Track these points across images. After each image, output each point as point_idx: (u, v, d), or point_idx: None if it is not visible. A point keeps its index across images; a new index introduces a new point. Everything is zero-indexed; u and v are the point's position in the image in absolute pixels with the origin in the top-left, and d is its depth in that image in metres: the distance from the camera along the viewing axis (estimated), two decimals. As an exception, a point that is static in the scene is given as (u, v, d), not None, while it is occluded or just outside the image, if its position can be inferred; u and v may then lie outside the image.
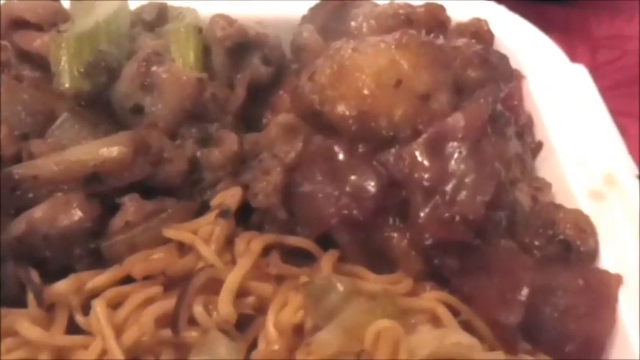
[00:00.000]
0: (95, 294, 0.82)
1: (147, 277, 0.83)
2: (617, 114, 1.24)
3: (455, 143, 0.86)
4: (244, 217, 0.91)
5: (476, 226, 0.82)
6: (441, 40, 0.98)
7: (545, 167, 1.04)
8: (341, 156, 0.89)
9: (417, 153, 0.86)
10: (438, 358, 0.74)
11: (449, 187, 0.84)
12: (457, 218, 0.82)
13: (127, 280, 0.84)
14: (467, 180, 0.84)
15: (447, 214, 0.82)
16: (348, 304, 0.75)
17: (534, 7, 1.46)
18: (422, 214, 0.84)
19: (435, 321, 0.81)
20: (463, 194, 0.83)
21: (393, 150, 0.87)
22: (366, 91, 0.88)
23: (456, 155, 0.85)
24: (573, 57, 1.27)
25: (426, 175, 0.85)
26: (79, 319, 0.80)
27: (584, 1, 1.45)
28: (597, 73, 1.27)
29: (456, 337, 0.76)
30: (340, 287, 0.76)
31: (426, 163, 0.85)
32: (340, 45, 0.93)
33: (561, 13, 1.44)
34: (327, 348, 0.71)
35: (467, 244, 0.83)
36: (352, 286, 0.77)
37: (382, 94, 0.88)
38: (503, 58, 1.02)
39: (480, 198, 0.83)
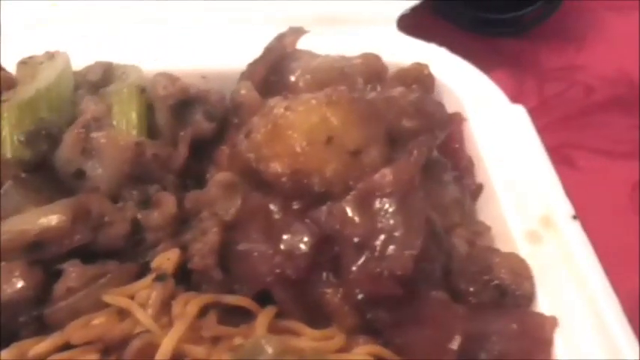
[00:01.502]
0: (38, 361, 0.84)
1: (87, 343, 0.84)
2: (566, 146, 1.27)
3: (383, 199, 0.88)
4: (186, 276, 0.93)
5: (405, 280, 0.84)
6: (376, 92, 1.00)
7: (485, 210, 1.06)
8: (276, 214, 0.91)
9: (347, 209, 0.88)
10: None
11: (378, 242, 0.86)
12: (385, 273, 0.84)
13: (70, 345, 0.86)
14: (395, 234, 0.86)
15: (376, 270, 0.85)
16: (278, 366, 0.77)
17: (487, 42, 1.49)
18: (353, 270, 0.86)
19: (367, 376, 0.82)
20: (391, 249, 0.85)
21: (324, 207, 0.89)
22: (298, 149, 0.91)
23: (384, 210, 0.87)
24: (522, 91, 1.31)
25: (356, 231, 0.87)
26: (22, 387, 0.82)
27: (537, 31, 1.46)
28: (545, 106, 1.30)
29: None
30: (269, 349, 0.78)
31: (355, 219, 0.87)
32: (274, 103, 0.95)
33: (514, 46, 1.47)
34: (253, 412, 0.73)
35: (397, 297, 0.85)
36: (282, 346, 0.79)
37: (313, 151, 0.90)
38: (439, 106, 1.04)
39: (408, 252, 0.85)
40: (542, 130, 1.14)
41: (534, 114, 1.17)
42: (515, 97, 1.19)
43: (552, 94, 1.36)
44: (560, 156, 1.27)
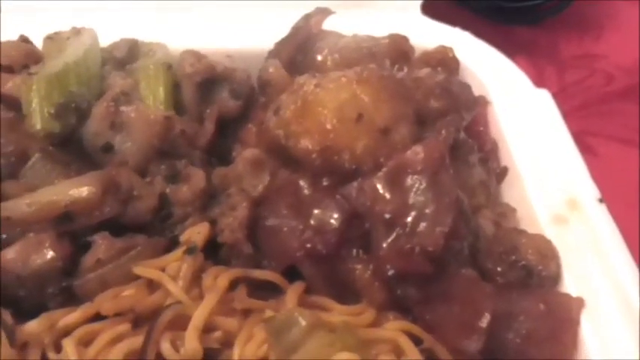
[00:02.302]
0: (67, 332, 0.84)
1: (118, 314, 0.85)
2: (586, 134, 1.28)
3: (414, 176, 0.88)
4: (214, 250, 0.93)
5: (435, 256, 0.85)
6: (403, 72, 1.00)
7: (510, 192, 1.06)
8: (305, 190, 0.91)
9: (378, 186, 0.88)
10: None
11: (409, 219, 0.86)
12: (417, 250, 0.84)
13: (99, 317, 0.86)
14: (426, 211, 0.86)
15: (407, 246, 0.85)
16: (310, 338, 0.77)
17: (502, 30, 1.49)
18: (384, 246, 0.86)
19: (398, 351, 0.83)
20: (422, 226, 0.85)
21: (355, 183, 0.89)
22: (328, 126, 0.91)
23: (415, 187, 0.87)
24: (541, 78, 1.31)
25: (387, 208, 0.87)
26: (52, 357, 0.82)
27: (552, 20, 1.47)
28: (565, 93, 1.31)
29: (415, 366, 0.78)
30: (302, 321, 0.78)
31: (386, 195, 0.87)
32: (304, 80, 0.95)
33: (529, 34, 1.47)
34: (288, 381, 0.73)
35: (427, 274, 0.85)
36: (314, 319, 0.79)
37: (344, 128, 0.90)
38: (466, 87, 1.05)
39: (439, 229, 0.85)
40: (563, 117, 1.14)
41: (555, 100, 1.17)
42: (536, 84, 1.19)
43: (572, 81, 1.36)
44: (580, 143, 1.27)
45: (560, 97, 1.27)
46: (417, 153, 0.89)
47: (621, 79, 1.38)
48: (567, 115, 1.21)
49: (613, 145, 1.29)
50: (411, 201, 0.87)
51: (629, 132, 1.31)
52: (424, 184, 0.87)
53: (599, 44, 1.45)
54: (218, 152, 1.05)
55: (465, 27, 1.28)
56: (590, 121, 1.30)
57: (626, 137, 1.30)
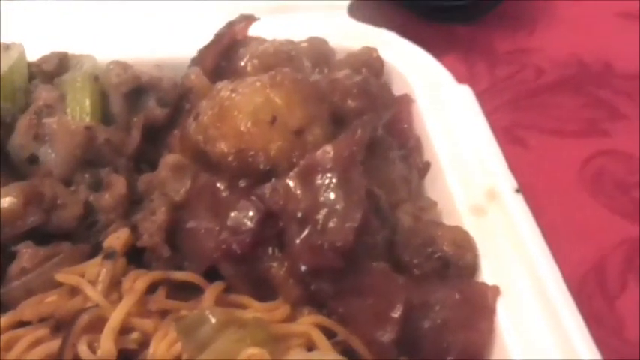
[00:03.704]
0: (-7, 339, 0.86)
1: (42, 320, 0.87)
2: (517, 127, 1.31)
3: (325, 174, 0.91)
4: (139, 256, 0.96)
5: (346, 251, 0.87)
6: (319, 75, 1.03)
7: (432, 187, 1.09)
8: (223, 192, 0.94)
9: (290, 185, 0.91)
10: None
11: (320, 217, 0.89)
12: (326, 245, 0.87)
13: (26, 324, 0.89)
14: (337, 208, 0.89)
15: (318, 242, 0.87)
16: (220, 335, 0.80)
17: (441, 28, 1.52)
18: (296, 242, 0.89)
19: (310, 344, 0.85)
20: (333, 222, 0.88)
21: (269, 184, 0.92)
22: (243, 129, 0.94)
23: (325, 185, 0.90)
24: (473, 74, 1.34)
25: (299, 206, 0.90)
26: (-24, 364, 0.85)
27: (491, 18, 1.50)
28: (496, 88, 1.33)
29: (324, 357, 0.80)
30: (212, 319, 0.81)
31: (298, 194, 0.90)
32: (221, 86, 0.98)
33: (467, 32, 1.50)
34: (196, 377, 0.76)
35: (339, 269, 0.88)
36: (225, 316, 0.81)
37: (258, 131, 0.93)
38: (383, 87, 1.08)
39: (348, 225, 0.88)
40: (493, 112, 1.18)
41: (485, 96, 1.20)
42: (465, 81, 1.22)
43: (503, 76, 1.39)
44: (512, 136, 1.31)
45: (491, 92, 1.31)
46: (327, 152, 0.91)
47: (552, 72, 1.41)
48: (498, 110, 1.25)
49: (544, 137, 1.32)
50: (321, 199, 0.90)
51: (560, 123, 1.34)
52: (334, 182, 0.90)
53: (532, 39, 1.48)
54: (149, 160, 1.08)
55: (403, 26, 1.31)
56: (521, 115, 1.33)
57: (557, 128, 1.33)
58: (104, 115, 1.07)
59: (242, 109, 0.94)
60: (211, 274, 0.94)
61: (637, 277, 1.14)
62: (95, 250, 0.95)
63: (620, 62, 1.46)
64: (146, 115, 1.06)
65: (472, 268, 0.97)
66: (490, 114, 1.16)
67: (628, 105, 1.37)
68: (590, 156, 1.30)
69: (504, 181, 1.05)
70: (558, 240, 0.99)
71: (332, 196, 0.89)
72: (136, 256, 0.95)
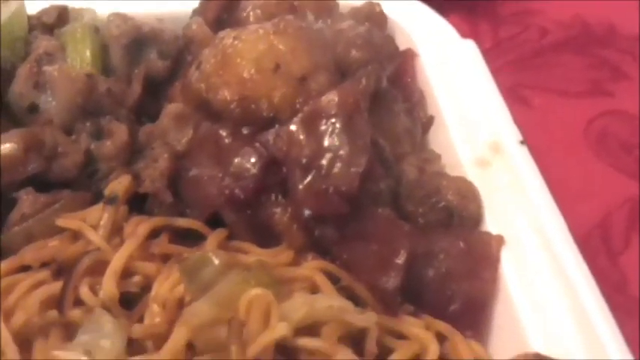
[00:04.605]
0: (-7, 284, 0.85)
1: (43, 265, 0.86)
2: (521, 86, 1.30)
3: (329, 120, 0.90)
4: (140, 204, 0.95)
5: (350, 196, 0.86)
6: (322, 24, 1.02)
7: (436, 140, 1.08)
8: (226, 139, 0.93)
9: (294, 131, 0.90)
10: (310, 321, 0.77)
11: (324, 162, 0.88)
12: (331, 190, 0.86)
13: (26, 269, 0.88)
14: (341, 153, 0.88)
15: (322, 187, 0.87)
16: (223, 277, 0.79)
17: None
18: (300, 188, 0.88)
19: (314, 288, 0.84)
20: (337, 167, 0.87)
21: (272, 130, 0.91)
22: (246, 76, 0.93)
23: (329, 131, 0.89)
24: (476, 35, 1.33)
25: (303, 152, 0.89)
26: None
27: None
28: (499, 48, 1.32)
29: (327, 301, 0.79)
30: (215, 260, 0.80)
31: (302, 140, 0.89)
32: (224, 34, 0.97)
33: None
34: (198, 316, 0.75)
35: (344, 214, 0.87)
36: (228, 259, 0.81)
37: (262, 78, 0.92)
38: (388, 39, 1.06)
39: (353, 169, 0.87)
40: (497, 72, 1.16)
41: (489, 55, 1.19)
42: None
43: (506, 36, 1.38)
44: (516, 95, 1.30)
45: (494, 52, 1.30)
46: (331, 98, 0.90)
47: (556, 32, 1.40)
48: (502, 69, 1.25)
49: (549, 96, 1.31)
50: (325, 144, 0.89)
51: (565, 83, 1.33)
52: (338, 128, 0.89)
53: (534, 2, 1.47)
54: (150, 113, 1.07)
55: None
56: (525, 75, 1.32)
57: (561, 88, 1.32)
58: (105, 68, 1.05)
59: (245, 57, 0.93)
60: (214, 222, 0.93)
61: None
62: (96, 199, 0.94)
63: (624, 24, 1.45)
64: (147, 68, 1.05)
65: (476, 218, 0.96)
66: (494, 74, 1.15)
67: (632, 66, 1.36)
68: (595, 116, 1.29)
69: (509, 133, 1.04)
70: (563, 198, 0.98)
71: (336, 141, 0.88)
72: (137, 206, 0.94)
